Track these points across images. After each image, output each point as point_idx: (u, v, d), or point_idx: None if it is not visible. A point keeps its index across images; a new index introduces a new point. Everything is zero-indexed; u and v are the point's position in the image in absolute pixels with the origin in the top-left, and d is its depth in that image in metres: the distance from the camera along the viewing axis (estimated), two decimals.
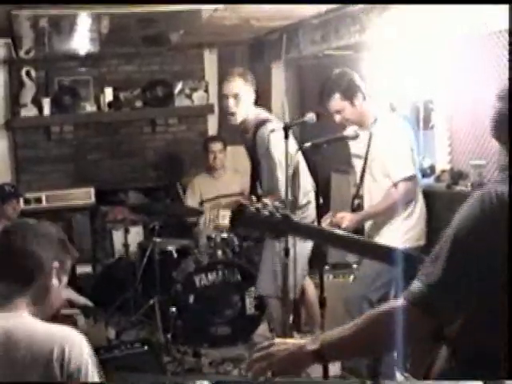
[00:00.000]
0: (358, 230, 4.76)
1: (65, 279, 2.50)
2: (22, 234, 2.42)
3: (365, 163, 4.72)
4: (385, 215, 4.67)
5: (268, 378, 2.17)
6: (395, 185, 4.57)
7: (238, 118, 5.21)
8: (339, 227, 4.52)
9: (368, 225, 4.84)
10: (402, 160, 4.57)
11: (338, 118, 4.68)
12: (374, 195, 4.73)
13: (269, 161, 5.07)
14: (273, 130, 5.00)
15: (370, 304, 4.61)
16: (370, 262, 4.68)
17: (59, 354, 2.19)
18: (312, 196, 5.14)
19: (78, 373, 2.20)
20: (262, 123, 5.16)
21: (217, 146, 7.05)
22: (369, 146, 4.64)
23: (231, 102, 5.15)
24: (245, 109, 5.19)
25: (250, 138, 5.22)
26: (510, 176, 1.98)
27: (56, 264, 2.43)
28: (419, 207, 4.72)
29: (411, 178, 4.60)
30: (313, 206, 5.14)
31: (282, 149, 4.55)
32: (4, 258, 2.41)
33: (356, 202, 4.80)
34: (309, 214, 5.14)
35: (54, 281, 2.43)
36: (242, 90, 5.16)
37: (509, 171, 2.01)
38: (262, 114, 5.31)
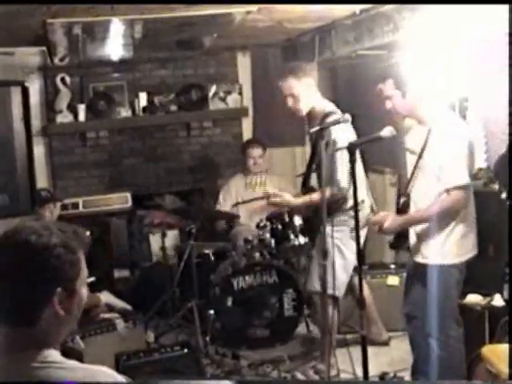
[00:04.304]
0: (401, 238, 4.54)
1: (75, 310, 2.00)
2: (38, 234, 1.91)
3: (419, 159, 4.37)
4: (430, 222, 4.31)
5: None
6: (447, 191, 4.24)
7: (303, 112, 5.27)
8: (379, 227, 4.41)
9: (413, 240, 4.48)
10: (458, 166, 4.22)
11: (388, 104, 4.44)
12: (421, 196, 4.39)
13: (330, 152, 4.98)
14: (337, 122, 4.87)
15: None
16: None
17: None
18: (364, 194, 5.06)
19: None
20: (327, 115, 5.13)
21: (257, 152, 6.98)
22: (426, 141, 4.31)
23: (290, 100, 5.24)
24: (306, 103, 5.23)
25: (315, 128, 4.98)
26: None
27: (59, 289, 1.92)
28: (471, 217, 4.41)
29: (465, 188, 4.26)
30: (367, 204, 5.16)
31: (344, 141, 4.56)
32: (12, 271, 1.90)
33: (402, 199, 4.46)
34: (364, 214, 5.00)
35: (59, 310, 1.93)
36: (296, 87, 5.19)
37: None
38: (328, 106, 5.28)
